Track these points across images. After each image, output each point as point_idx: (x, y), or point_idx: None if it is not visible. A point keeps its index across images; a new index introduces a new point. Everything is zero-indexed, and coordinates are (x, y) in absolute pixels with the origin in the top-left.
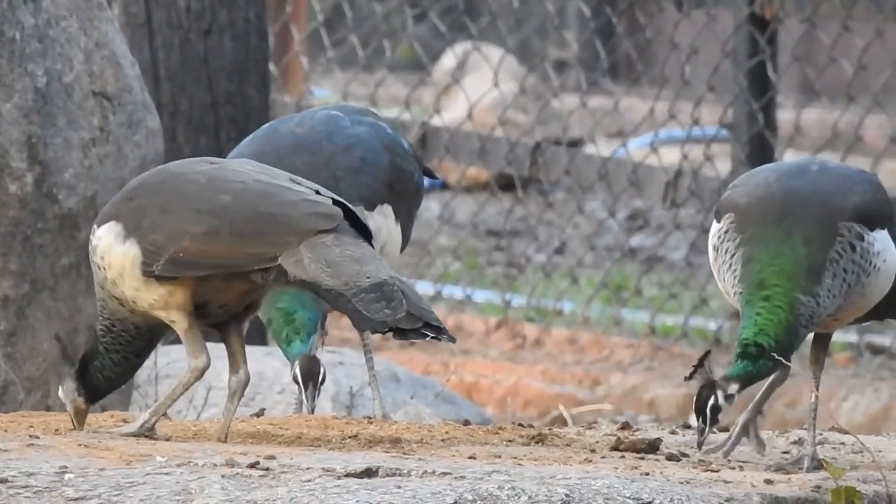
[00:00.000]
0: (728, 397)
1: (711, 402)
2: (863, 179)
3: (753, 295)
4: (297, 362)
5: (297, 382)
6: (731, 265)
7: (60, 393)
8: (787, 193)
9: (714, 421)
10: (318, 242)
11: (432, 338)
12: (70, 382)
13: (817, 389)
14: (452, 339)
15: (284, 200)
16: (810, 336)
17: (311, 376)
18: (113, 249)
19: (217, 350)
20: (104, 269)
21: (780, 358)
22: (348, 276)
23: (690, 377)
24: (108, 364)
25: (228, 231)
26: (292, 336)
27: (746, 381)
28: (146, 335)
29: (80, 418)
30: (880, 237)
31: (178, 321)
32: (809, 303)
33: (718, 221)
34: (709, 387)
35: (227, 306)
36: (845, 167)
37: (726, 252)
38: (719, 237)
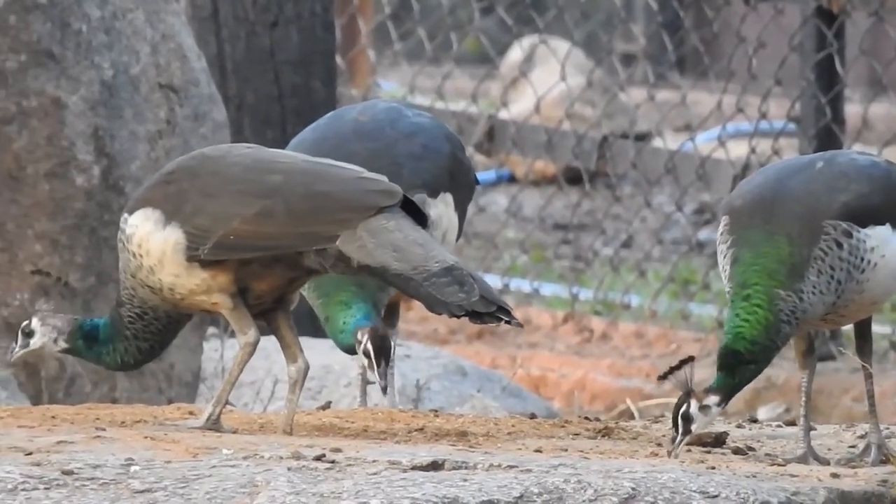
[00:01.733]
0: (703, 408)
1: (682, 410)
2: (864, 175)
3: (737, 295)
4: (366, 336)
5: (366, 357)
6: (723, 266)
7: (41, 323)
8: (777, 194)
9: (686, 430)
10: (379, 226)
11: (504, 321)
12: (62, 329)
13: (870, 378)
14: (520, 325)
15: (340, 178)
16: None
17: (382, 352)
18: (152, 236)
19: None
20: (140, 256)
21: (763, 356)
22: (417, 260)
23: (663, 378)
24: (132, 350)
25: (283, 210)
26: (349, 319)
27: (727, 392)
28: (174, 324)
29: (32, 357)
30: (876, 233)
31: (222, 302)
32: (790, 298)
33: (720, 223)
34: (685, 395)
35: (263, 297)
36: (854, 162)
37: (721, 253)
38: (718, 239)
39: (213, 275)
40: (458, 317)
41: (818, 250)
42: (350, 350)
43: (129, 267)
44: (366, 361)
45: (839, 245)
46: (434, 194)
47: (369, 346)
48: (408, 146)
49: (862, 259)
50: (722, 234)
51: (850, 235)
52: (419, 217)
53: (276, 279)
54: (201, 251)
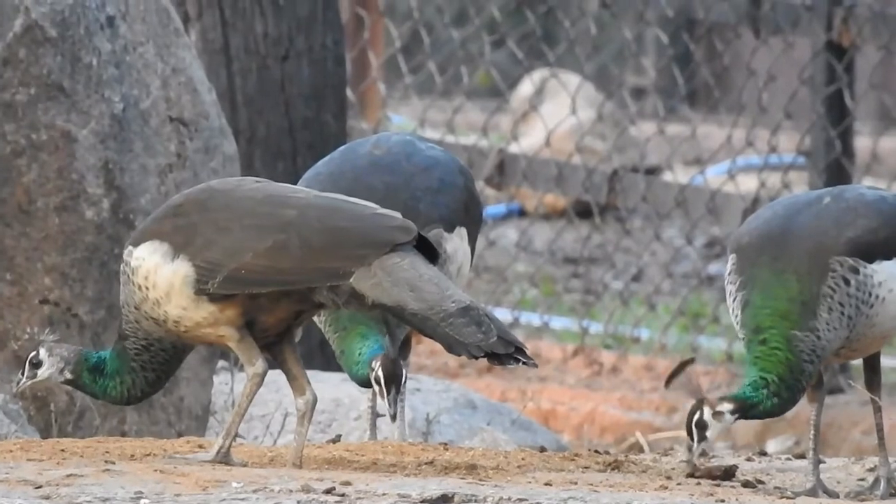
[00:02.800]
0: (716, 414)
1: (696, 417)
2: (872, 210)
3: (752, 340)
4: (378, 363)
5: (377, 384)
6: (733, 309)
7: (48, 354)
8: (784, 230)
9: (701, 437)
10: (393, 263)
11: (522, 363)
12: (69, 359)
13: (879, 411)
14: (535, 365)
15: (355, 213)
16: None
17: (394, 379)
18: (160, 269)
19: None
20: (146, 289)
21: (788, 395)
22: (433, 300)
23: (668, 384)
24: (140, 382)
25: (298, 245)
26: (364, 350)
27: (743, 407)
28: (180, 353)
29: (37, 388)
30: (883, 268)
31: (229, 335)
32: (808, 338)
33: (727, 261)
34: (698, 403)
35: (269, 330)
36: (862, 197)
37: (729, 294)
38: (726, 279)
39: (221, 308)
40: (477, 358)
41: (826, 288)
42: (365, 383)
43: (133, 299)
44: (376, 388)
45: (846, 282)
46: (450, 228)
47: (380, 373)
48: (425, 180)
49: (870, 294)
50: (730, 273)
51: (856, 272)
52: (430, 253)
53: (284, 313)
54: (211, 285)
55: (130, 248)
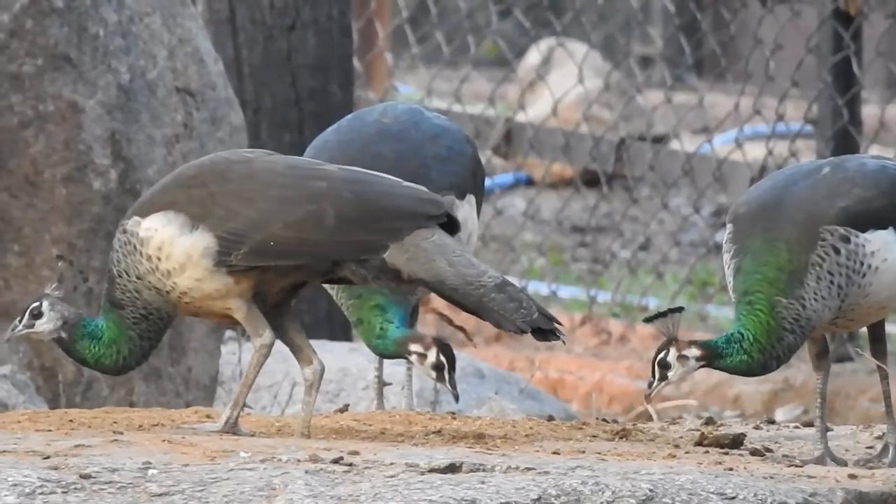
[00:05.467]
0: (681, 357)
1: (661, 356)
2: (870, 180)
3: (740, 303)
4: (434, 349)
5: (437, 369)
6: (728, 276)
7: (50, 308)
8: (779, 200)
9: (662, 377)
10: (425, 237)
11: (561, 339)
12: (68, 319)
13: (886, 379)
14: (564, 342)
15: (385, 185)
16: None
17: (453, 363)
18: (176, 240)
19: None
20: (157, 259)
21: (759, 357)
22: (471, 274)
23: (649, 321)
24: (136, 351)
25: (332, 216)
26: (386, 325)
27: (712, 353)
28: (170, 321)
29: (28, 338)
30: (877, 237)
31: (236, 307)
32: (792, 306)
33: (725, 231)
34: (666, 342)
35: (267, 301)
36: (863, 166)
37: (725, 263)
38: (723, 247)
39: (236, 279)
40: (523, 332)
41: (815, 256)
42: (387, 356)
43: (136, 269)
44: (434, 374)
45: (836, 250)
46: (461, 196)
47: (443, 359)
48: (434, 148)
49: (861, 263)
50: (726, 242)
51: (847, 241)
52: (450, 229)
53: (287, 285)
54: (234, 256)
55: (137, 218)
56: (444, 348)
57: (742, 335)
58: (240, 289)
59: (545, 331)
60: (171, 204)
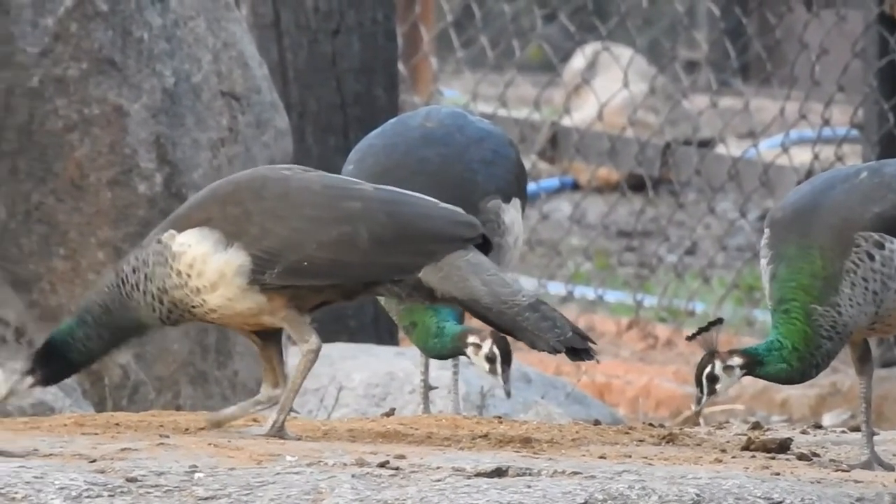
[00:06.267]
0: (727, 368)
1: (707, 370)
2: None
3: (775, 311)
4: (490, 341)
5: (490, 361)
6: (764, 283)
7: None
8: (816, 206)
9: (711, 390)
10: (460, 257)
11: (595, 359)
12: (21, 364)
13: None
14: (598, 361)
15: (421, 207)
16: None
17: (508, 357)
18: (210, 258)
19: (350, 350)
20: (187, 276)
21: (798, 366)
22: (505, 293)
23: (692, 338)
24: (93, 336)
25: (366, 238)
26: (443, 323)
27: (752, 361)
28: (132, 335)
29: (11, 399)
30: None
31: (282, 315)
32: (828, 313)
33: (763, 236)
34: (708, 356)
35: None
36: None
37: (762, 269)
38: (760, 253)
39: (269, 297)
40: (557, 352)
41: (850, 262)
42: (444, 356)
43: (161, 282)
44: (487, 366)
45: (871, 256)
46: (507, 199)
47: (496, 350)
48: (479, 152)
49: None
50: (763, 247)
51: (881, 247)
52: (484, 248)
53: (320, 302)
54: (268, 276)
55: (172, 231)
56: (500, 341)
57: (781, 343)
58: (272, 307)
59: (579, 350)
60: (207, 220)
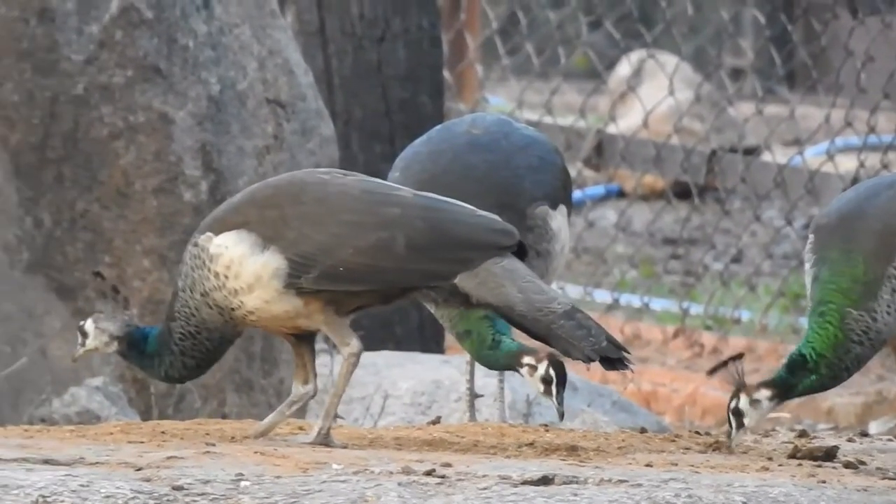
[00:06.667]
0: (754, 402)
1: (733, 405)
2: None
3: (813, 311)
4: (546, 363)
5: (546, 382)
6: (806, 286)
7: (94, 325)
8: (860, 211)
9: (739, 425)
10: (496, 264)
11: (630, 368)
12: (113, 333)
13: None
14: (632, 370)
15: (458, 214)
16: None
17: (564, 381)
18: (247, 260)
19: (395, 358)
20: (225, 278)
21: (827, 372)
22: (540, 301)
23: (711, 373)
24: (178, 366)
25: (403, 245)
26: (499, 336)
27: (782, 389)
28: (226, 344)
29: (84, 356)
30: None
31: (322, 319)
32: (862, 317)
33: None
34: (735, 391)
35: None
36: None
37: (806, 273)
38: (804, 257)
39: (305, 301)
40: (591, 361)
41: (892, 268)
42: (494, 368)
43: (202, 285)
44: (542, 387)
45: None
46: (554, 206)
47: (552, 373)
48: (525, 158)
49: None
50: (807, 252)
51: None
52: (520, 255)
53: (357, 306)
54: (304, 280)
55: (210, 234)
56: (556, 364)
57: (804, 356)
58: (309, 310)
59: (613, 360)
60: (244, 223)
